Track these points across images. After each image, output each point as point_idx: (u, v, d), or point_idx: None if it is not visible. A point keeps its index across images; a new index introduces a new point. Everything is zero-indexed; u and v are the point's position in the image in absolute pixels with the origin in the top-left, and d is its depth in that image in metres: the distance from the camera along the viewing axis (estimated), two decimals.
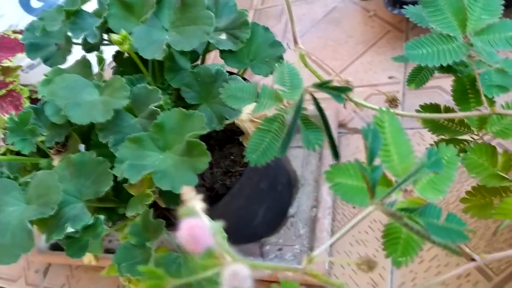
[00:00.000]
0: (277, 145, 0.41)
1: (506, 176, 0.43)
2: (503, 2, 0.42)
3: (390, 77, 0.86)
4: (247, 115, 0.57)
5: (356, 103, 0.42)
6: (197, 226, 0.19)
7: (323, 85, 0.41)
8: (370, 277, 0.68)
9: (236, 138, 0.64)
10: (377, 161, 0.37)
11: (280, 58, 0.58)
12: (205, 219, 0.25)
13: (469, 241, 0.63)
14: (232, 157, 0.63)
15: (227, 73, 0.52)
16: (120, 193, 0.54)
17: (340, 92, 0.41)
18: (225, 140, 0.65)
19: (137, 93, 0.48)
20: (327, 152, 0.79)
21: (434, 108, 0.47)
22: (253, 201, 0.68)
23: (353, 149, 0.81)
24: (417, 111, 0.48)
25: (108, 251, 0.91)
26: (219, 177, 0.63)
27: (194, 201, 0.28)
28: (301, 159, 0.84)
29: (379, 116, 0.36)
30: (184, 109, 0.43)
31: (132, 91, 0.48)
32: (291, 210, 0.79)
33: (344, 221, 0.75)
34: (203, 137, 0.65)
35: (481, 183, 0.45)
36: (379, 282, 0.67)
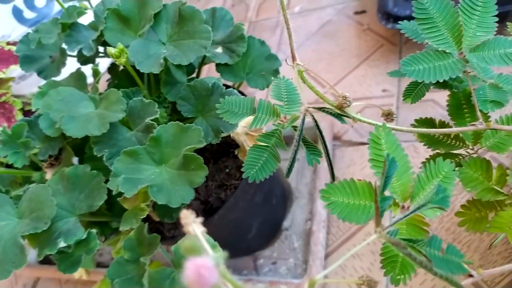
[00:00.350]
0: (275, 160, 0.41)
1: (500, 190, 0.44)
2: (497, 19, 0.42)
3: (384, 90, 0.86)
4: (242, 129, 0.57)
5: (354, 118, 0.42)
6: (203, 266, 0.19)
7: (324, 109, 0.41)
8: None
9: (231, 151, 0.64)
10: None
11: (276, 71, 0.58)
12: (209, 253, 0.24)
13: (464, 255, 0.63)
14: (227, 170, 0.63)
15: (224, 87, 0.51)
16: (113, 207, 0.54)
17: (341, 115, 0.41)
18: (220, 153, 0.65)
19: (133, 107, 0.48)
20: (322, 165, 0.79)
21: (429, 122, 0.47)
22: (247, 214, 0.67)
23: (348, 161, 0.81)
24: (413, 125, 0.49)
25: (99, 264, 0.89)
26: (214, 190, 0.62)
27: (193, 225, 0.27)
28: (295, 171, 0.84)
29: (375, 132, 0.36)
30: (180, 123, 0.43)
31: (128, 105, 0.48)
32: (286, 223, 0.79)
33: (339, 234, 0.75)
34: (198, 150, 0.65)
35: (476, 197, 0.45)
36: None
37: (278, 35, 1.09)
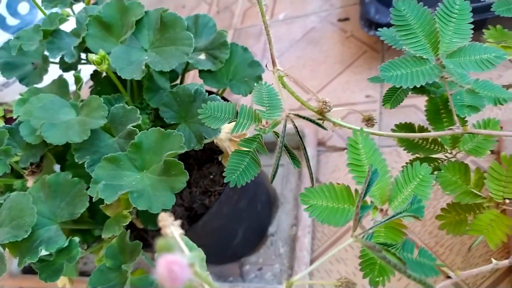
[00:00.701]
0: (256, 165, 0.41)
1: (479, 193, 0.44)
2: (472, 26, 0.43)
3: (367, 96, 0.87)
4: (226, 134, 0.57)
5: (334, 123, 0.42)
6: (175, 262, 0.19)
7: (304, 117, 0.42)
8: None
9: (215, 157, 0.64)
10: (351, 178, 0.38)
11: (259, 78, 0.58)
12: (184, 251, 0.24)
13: (446, 257, 0.64)
14: (211, 177, 0.63)
15: (206, 93, 0.52)
16: (95, 215, 0.53)
17: (320, 121, 0.42)
18: (204, 160, 0.65)
19: (115, 113, 0.48)
20: (307, 171, 0.79)
21: (408, 127, 0.48)
22: (232, 220, 0.67)
23: (332, 167, 0.82)
24: (393, 130, 0.49)
25: (83, 273, 0.88)
26: (198, 197, 0.62)
27: (171, 227, 0.27)
28: (280, 177, 0.85)
29: (353, 137, 0.37)
30: (162, 129, 0.43)
31: (110, 111, 0.48)
32: (271, 229, 0.79)
33: (324, 239, 0.75)
34: (182, 156, 0.65)
35: (455, 200, 0.46)
36: None
37: (263, 42, 1.09)
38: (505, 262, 0.37)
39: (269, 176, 0.86)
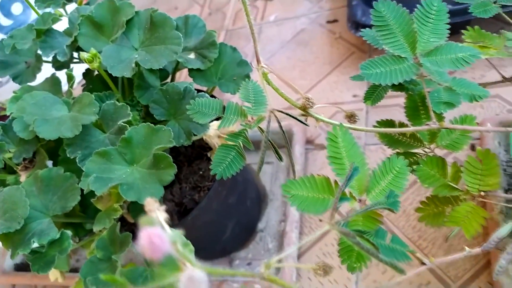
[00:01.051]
0: (242, 158, 0.43)
1: (456, 186, 0.46)
2: (449, 26, 0.45)
3: (354, 96, 0.89)
4: (214, 131, 0.59)
5: (317, 119, 0.44)
6: (155, 234, 0.21)
7: (287, 113, 0.43)
8: (337, 287, 0.70)
9: (204, 154, 0.65)
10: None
11: (247, 76, 0.60)
12: (165, 228, 0.26)
13: (429, 251, 0.66)
14: (201, 172, 0.64)
15: (195, 91, 0.53)
16: (87, 209, 0.55)
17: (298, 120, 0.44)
18: (194, 156, 0.67)
19: (106, 110, 0.49)
20: (296, 168, 0.81)
21: (389, 123, 0.50)
22: (221, 216, 0.69)
23: (320, 164, 0.84)
24: (374, 126, 0.51)
25: (76, 270, 0.89)
26: (188, 192, 0.64)
27: (157, 212, 0.29)
28: (270, 174, 0.87)
29: (332, 131, 0.39)
30: (151, 124, 0.45)
31: (101, 108, 0.49)
32: (260, 225, 0.80)
33: (311, 233, 0.77)
34: (172, 154, 0.66)
35: (433, 193, 0.47)
36: None
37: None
38: (478, 250, 0.39)
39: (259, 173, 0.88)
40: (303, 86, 0.95)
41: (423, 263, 0.38)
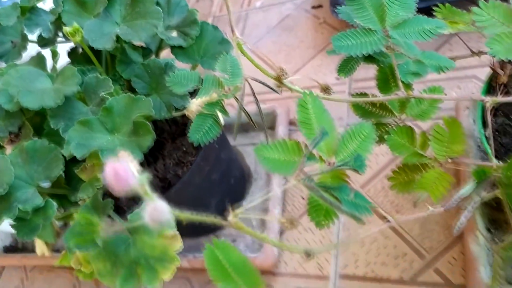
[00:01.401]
0: (218, 126, 0.45)
1: (424, 154, 0.49)
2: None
3: (337, 78, 0.91)
4: (196, 107, 0.61)
5: (290, 89, 0.46)
6: (120, 167, 0.23)
7: (260, 81, 0.45)
8: (317, 262, 0.72)
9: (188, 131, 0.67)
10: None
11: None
12: (134, 173, 0.28)
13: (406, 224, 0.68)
14: (184, 149, 0.66)
15: (176, 66, 0.55)
16: (71, 181, 0.56)
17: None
18: (178, 133, 0.68)
19: (88, 83, 0.51)
20: None
21: (362, 95, 0.52)
22: (205, 192, 0.71)
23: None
24: (350, 97, 0.53)
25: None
26: (172, 168, 0.66)
27: (130, 163, 0.31)
28: (253, 155, 0.88)
29: (303, 98, 0.41)
30: (132, 94, 0.47)
31: (84, 81, 0.51)
32: (245, 203, 0.82)
33: (294, 212, 0.79)
34: (157, 131, 0.68)
35: (403, 162, 0.50)
36: (324, 266, 0.72)
37: (240, 29, 1.13)
38: (440, 209, 0.41)
39: (244, 154, 0.90)
40: (288, 69, 0.96)
41: (387, 220, 0.40)
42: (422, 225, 0.69)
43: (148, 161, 0.68)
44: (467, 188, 0.41)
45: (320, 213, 0.39)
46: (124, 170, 0.23)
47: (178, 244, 0.53)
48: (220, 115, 0.45)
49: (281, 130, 0.85)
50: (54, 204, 0.52)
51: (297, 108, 0.41)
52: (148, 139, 0.44)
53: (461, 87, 0.78)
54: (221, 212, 0.79)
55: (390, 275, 0.67)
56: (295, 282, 0.73)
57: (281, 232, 0.78)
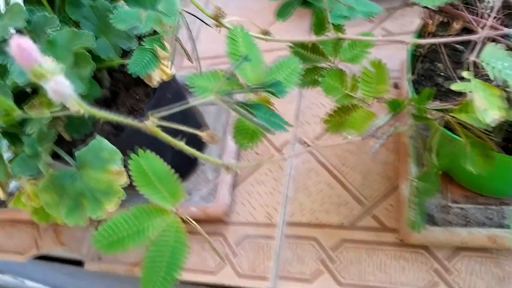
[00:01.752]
0: (157, 60, 0.47)
1: (354, 95, 0.52)
2: None
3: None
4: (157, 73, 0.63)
5: (227, 28, 0.48)
6: (25, 42, 0.25)
7: (194, 15, 0.48)
8: (266, 211, 0.76)
9: (141, 80, 0.69)
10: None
11: None
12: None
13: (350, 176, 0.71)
14: (137, 97, 0.68)
15: None
16: (24, 122, 0.58)
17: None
18: (133, 84, 0.71)
19: (36, 21, 0.52)
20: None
21: (302, 44, 0.55)
22: (158, 141, 0.73)
23: None
24: (290, 46, 0.56)
25: None
26: (125, 115, 0.68)
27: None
28: (213, 114, 0.91)
29: (233, 31, 0.43)
30: (74, 29, 0.49)
31: (32, 20, 0.53)
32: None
33: (248, 166, 0.82)
34: (112, 82, 0.70)
35: (336, 104, 0.53)
36: (273, 214, 0.75)
37: None
38: (358, 138, 0.44)
39: (203, 114, 0.92)
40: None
41: (308, 145, 0.43)
42: (364, 176, 0.73)
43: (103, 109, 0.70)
44: (382, 118, 0.45)
45: (245, 136, 0.43)
46: (28, 45, 0.25)
47: (124, 179, 0.56)
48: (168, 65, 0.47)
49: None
50: (5, 141, 0.54)
51: (226, 40, 0.44)
52: (88, 69, 0.46)
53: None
54: (178, 165, 0.82)
55: (332, 221, 0.71)
56: (245, 230, 0.76)
57: (234, 185, 0.81)
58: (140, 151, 0.38)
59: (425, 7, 0.52)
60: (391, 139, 0.74)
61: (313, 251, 0.70)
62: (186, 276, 0.77)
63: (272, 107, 0.42)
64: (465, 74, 0.36)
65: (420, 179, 0.47)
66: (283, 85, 0.40)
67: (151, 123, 0.35)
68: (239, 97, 0.43)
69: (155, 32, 0.49)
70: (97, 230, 0.36)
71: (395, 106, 0.44)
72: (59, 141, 0.66)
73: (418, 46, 0.54)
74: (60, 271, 1.14)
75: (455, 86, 0.36)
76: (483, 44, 0.40)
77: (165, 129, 0.73)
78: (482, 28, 0.48)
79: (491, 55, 0.36)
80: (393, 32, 0.87)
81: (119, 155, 0.57)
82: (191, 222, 0.38)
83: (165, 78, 0.66)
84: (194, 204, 0.78)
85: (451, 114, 0.41)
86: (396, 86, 0.79)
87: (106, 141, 0.55)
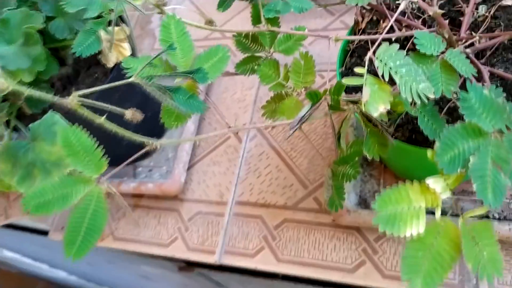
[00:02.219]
0: (99, 42, 0.52)
1: (285, 84, 0.56)
2: None
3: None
4: (105, 36, 0.67)
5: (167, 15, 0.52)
6: None
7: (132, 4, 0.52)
8: (219, 190, 0.81)
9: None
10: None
11: None
12: None
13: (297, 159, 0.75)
14: (96, 76, 0.73)
15: None
16: None
17: None
18: (94, 63, 0.75)
19: None
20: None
21: (243, 33, 0.59)
22: (116, 118, 0.77)
23: (223, 88, 0.93)
24: (233, 36, 0.60)
25: None
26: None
27: None
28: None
29: (166, 20, 0.47)
30: (27, 9, 0.53)
31: None
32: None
33: (206, 147, 0.87)
34: (74, 60, 0.74)
35: (271, 90, 0.57)
36: (225, 193, 0.80)
37: None
38: (284, 123, 0.49)
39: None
40: (220, 19, 1.02)
41: (229, 127, 0.48)
42: (310, 161, 0.78)
43: (64, 87, 0.74)
44: (305, 109, 0.49)
45: (171, 117, 0.47)
46: None
47: None
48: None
49: None
50: None
51: (160, 28, 0.48)
52: (37, 48, 0.50)
53: None
54: (140, 144, 0.86)
55: (277, 202, 0.76)
56: (198, 207, 0.81)
57: (192, 164, 0.86)
58: (71, 126, 0.42)
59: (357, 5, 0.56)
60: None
61: (257, 229, 0.75)
62: (142, 248, 0.82)
63: (195, 91, 0.46)
64: (358, 70, 0.41)
65: (337, 163, 0.52)
66: (204, 72, 0.45)
67: (73, 100, 0.40)
68: (170, 81, 0.47)
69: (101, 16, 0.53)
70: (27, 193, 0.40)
71: (313, 97, 0.48)
72: (22, 115, 0.70)
73: (349, 41, 0.58)
74: (33, 241, 1.19)
75: (346, 80, 0.41)
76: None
77: (127, 99, 0.78)
78: (401, 28, 0.53)
79: (384, 53, 0.41)
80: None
81: None
82: (113, 191, 0.42)
83: (122, 59, 0.70)
84: (152, 181, 0.83)
85: (358, 105, 0.46)
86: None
87: (58, 116, 0.60)
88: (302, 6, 0.54)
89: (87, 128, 0.71)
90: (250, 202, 0.78)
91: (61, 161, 0.59)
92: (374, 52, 0.42)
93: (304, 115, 0.48)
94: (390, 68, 0.40)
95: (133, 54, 0.71)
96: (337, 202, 0.54)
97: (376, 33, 0.56)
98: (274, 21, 0.54)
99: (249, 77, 0.60)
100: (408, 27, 0.54)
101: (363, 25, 0.58)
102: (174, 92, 0.42)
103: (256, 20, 0.56)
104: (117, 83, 0.43)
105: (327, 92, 0.49)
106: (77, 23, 0.59)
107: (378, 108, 0.38)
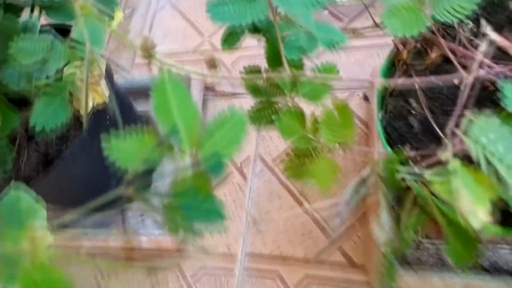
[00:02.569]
0: (67, 108, 0.38)
1: (313, 138, 0.44)
2: None
3: (259, 40, 0.85)
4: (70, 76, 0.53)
5: (160, 63, 0.39)
6: None
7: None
8: (225, 239, 0.69)
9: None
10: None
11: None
12: None
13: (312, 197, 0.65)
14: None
15: (48, 26, 0.47)
16: None
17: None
18: None
19: None
20: None
21: (255, 70, 0.46)
22: (97, 168, 0.64)
23: (219, 110, 0.80)
24: (241, 73, 0.47)
25: None
26: (55, 142, 0.59)
27: None
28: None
29: (160, 80, 0.34)
30: None
31: None
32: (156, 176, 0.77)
33: None
34: None
35: (293, 145, 0.45)
36: (232, 243, 0.69)
37: None
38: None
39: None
40: (209, 28, 0.89)
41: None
42: (330, 201, 0.66)
43: (29, 136, 0.60)
44: (350, 189, 0.38)
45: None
46: None
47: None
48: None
49: (195, 94, 0.79)
50: None
51: (152, 92, 0.35)
52: None
53: (380, 55, 0.74)
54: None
55: (295, 253, 0.65)
56: (201, 261, 0.70)
57: None
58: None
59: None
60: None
61: None
62: None
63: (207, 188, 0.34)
64: (444, 156, 0.29)
65: (390, 245, 0.41)
66: (221, 157, 0.32)
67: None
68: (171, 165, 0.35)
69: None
70: None
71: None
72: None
73: (390, 64, 0.46)
74: None
75: (433, 177, 0.29)
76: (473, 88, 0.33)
77: None
78: (466, 65, 0.41)
79: (479, 130, 0.29)
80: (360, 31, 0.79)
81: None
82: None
83: (100, 101, 0.56)
84: (146, 233, 0.71)
85: (426, 183, 0.34)
86: (366, 98, 0.72)
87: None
88: (333, 39, 0.41)
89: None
90: (264, 254, 0.66)
91: None
92: (456, 124, 0.30)
93: (352, 197, 0.36)
94: (484, 147, 0.28)
95: (111, 94, 0.57)
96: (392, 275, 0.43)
97: (425, 68, 0.44)
98: (298, 64, 0.42)
99: (249, 99, 0.47)
100: (464, 57, 0.42)
101: (404, 55, 0.46)
102: (181, 198, 0.30)
103: (272, 62, 0.44)
104: None
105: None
106: (36, 70, 0.45)
107: (479, 216, 0.27)
